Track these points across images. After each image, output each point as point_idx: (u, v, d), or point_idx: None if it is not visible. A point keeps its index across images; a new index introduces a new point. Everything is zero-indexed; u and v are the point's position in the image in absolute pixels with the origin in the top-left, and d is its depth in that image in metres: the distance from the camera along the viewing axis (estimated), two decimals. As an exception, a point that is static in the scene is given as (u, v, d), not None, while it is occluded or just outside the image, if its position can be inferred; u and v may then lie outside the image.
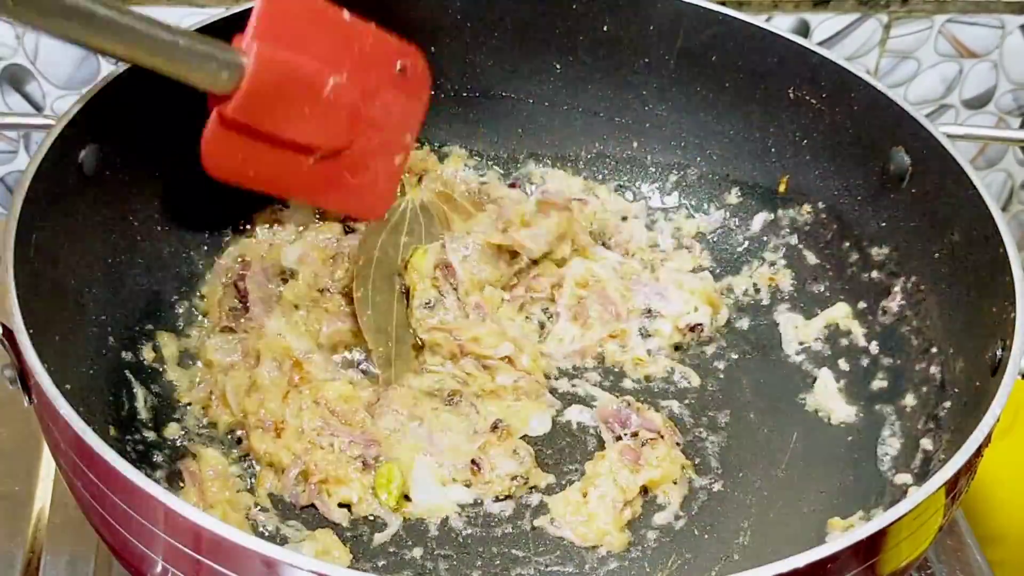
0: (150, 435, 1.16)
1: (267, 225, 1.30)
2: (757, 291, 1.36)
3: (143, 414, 1.17)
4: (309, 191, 1.23)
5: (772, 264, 1.37)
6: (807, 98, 1.31)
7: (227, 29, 1.22)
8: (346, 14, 1.18)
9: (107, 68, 1.51)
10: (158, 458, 1.14)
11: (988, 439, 0.96)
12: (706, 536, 1.15)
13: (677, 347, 1.31)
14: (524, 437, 1.19)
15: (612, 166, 1.44)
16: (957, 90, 1.71)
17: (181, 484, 1.11)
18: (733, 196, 1.41)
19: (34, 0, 0.95)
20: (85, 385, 1.09)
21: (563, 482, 1.17)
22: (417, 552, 1.10)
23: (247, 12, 1.24)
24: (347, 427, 1.15)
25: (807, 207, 1.36)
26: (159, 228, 1.26)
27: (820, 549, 0.85)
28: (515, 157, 1.45)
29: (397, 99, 1.26)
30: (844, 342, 1.30)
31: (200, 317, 1.27)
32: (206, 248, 1.30)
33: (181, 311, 1.26)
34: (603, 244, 1.37)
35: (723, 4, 1.34)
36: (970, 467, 0.95)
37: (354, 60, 1.18)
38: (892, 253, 1.27)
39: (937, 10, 1.62)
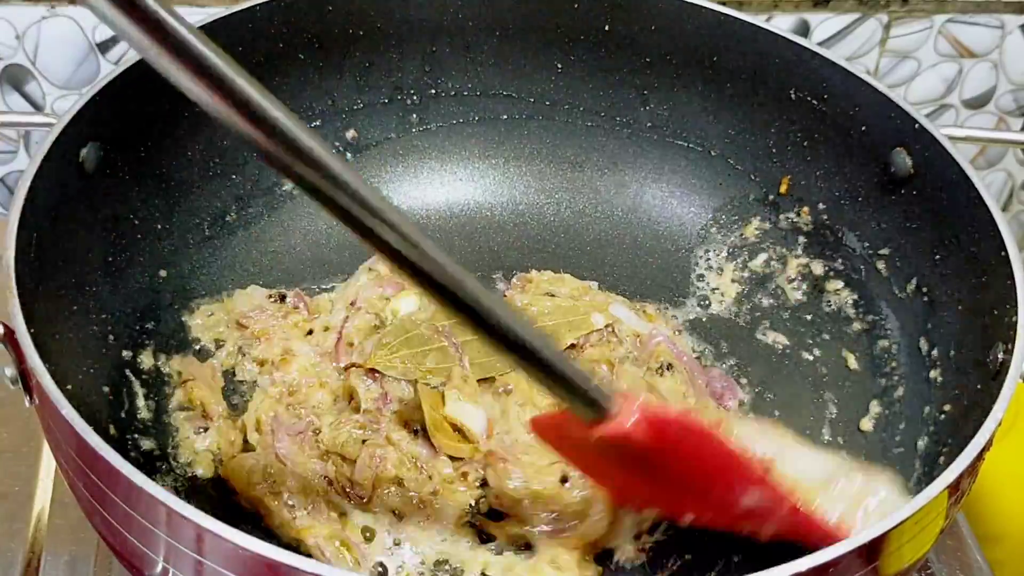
0: (150, 435, 1.16)
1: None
2: (755, 290, 1.36)
3: (143, 414, 1.17)
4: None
5: (771, 264, 1.37)
6: (807, 99, 1.31)
7: (228, 29, 1.23)
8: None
9: (107, 68, 1.51)
10: (159, 459, 1.14)
11: (990, 442, 0.96)
12: (706, 536, 1.15)
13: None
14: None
15: (612, 166, 1.44)
16: (957, 90, 1.71)
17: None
18: (733, 197, 1.41)
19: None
20: (85, 385, 1.09)
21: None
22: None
23: (247, 12, 1.24)
24: None
25: (807, 208, 1.35)
26: (159, 228, 1.25)
27: (823, 552, 0.85)
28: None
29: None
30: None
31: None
32: (207, 247, 1.30)
33: (181, 311, 1.26)
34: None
35: (723, 4, 1.34)
36: (972, 470, 0.95)
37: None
38: (893, 254, 1.27)
39: (937, 10, 1.62)
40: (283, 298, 1.29)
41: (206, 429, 1.17)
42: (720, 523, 1.05)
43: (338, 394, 1.20)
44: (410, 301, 1.28)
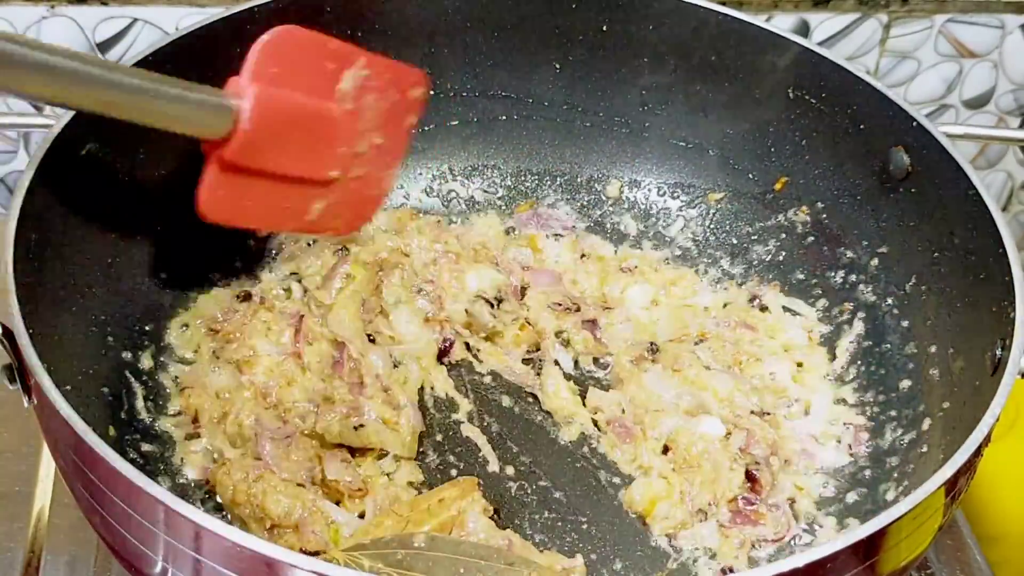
0: (149, 436, 1.16)
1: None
2: (756, 290, 1.36)
3: (143, 414, 1.17)
4: (304, 222, 1.21)
5: (770, 262, 1.37)
6: (807, 98, 1.31)
7: (228, 29, 1.23)
8: (338, 43, 1.17)
9: (107, 68, 1.51)
10: (158, 460, 1.14)
11: (988, 439, 0.96)
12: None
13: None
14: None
15: (611, 165, 1.44)
16: (957, 90, 1.71)
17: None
18: (732, 195, 1.41)
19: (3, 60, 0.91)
20: (84, 386, 1.09)
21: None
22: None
23: (247, 12, 1.24)
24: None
25: (806, 207, 1.36)
26: (159, 228, 1.25)
27: (819, 549, 0.85)
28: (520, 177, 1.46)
29: (397, 120, 1.26)
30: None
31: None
32: (206, 247, 1.30)
33: (181, 311, 1.26)
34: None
35: (723, 4, 1.34)
36: (970, 467, 0.95)
37: (355, 90, 1.18)
38: (891, 252, 1.27)
39: (937, 10, 1.62)
40: (248, 297, 1.28)
41: (197, 436, 1.17)
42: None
43: (308, 389, 1.20)
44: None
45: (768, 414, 1.23)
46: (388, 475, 1.16)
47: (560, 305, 1.32)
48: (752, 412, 1.23)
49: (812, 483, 1.19)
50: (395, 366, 1.23)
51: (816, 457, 1.21)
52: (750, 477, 1.16)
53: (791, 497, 1.17)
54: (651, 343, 1.29)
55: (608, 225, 1.43)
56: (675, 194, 1.43)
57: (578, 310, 1.32)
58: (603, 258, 1.39)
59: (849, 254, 1.32)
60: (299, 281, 1.31)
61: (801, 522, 1.16)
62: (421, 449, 1.20)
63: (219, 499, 1.12)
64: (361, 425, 1.15)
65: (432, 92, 1.38)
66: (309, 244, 1.34)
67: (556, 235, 1.41)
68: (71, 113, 1.11)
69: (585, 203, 1.44)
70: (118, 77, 0.99)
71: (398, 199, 1.42)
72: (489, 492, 1.16)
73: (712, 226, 1.41)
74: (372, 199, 1.28)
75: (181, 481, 1.14)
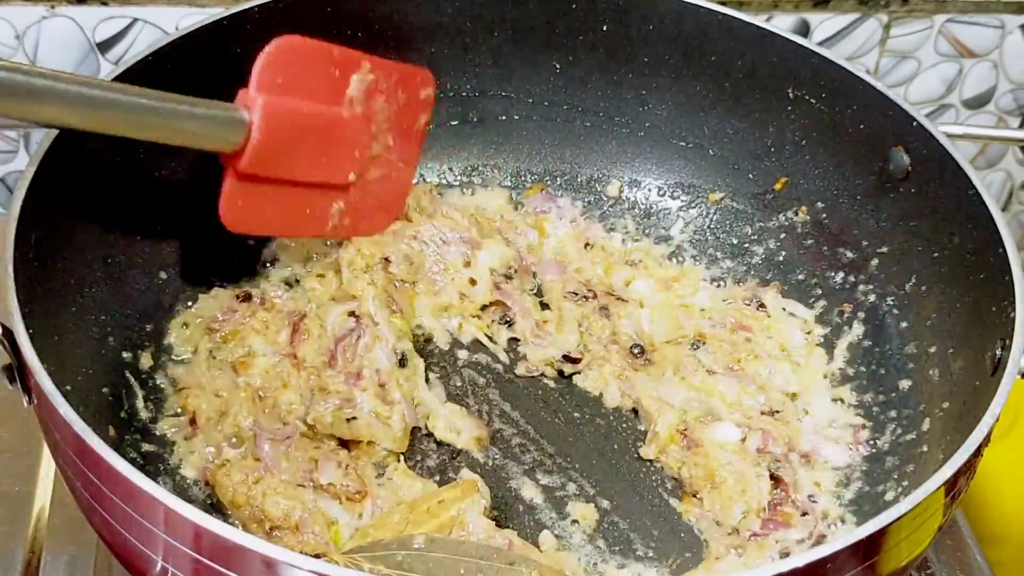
0: (149, 436, 1.16)
1: None
2: (756, 290, 1.36)
3: (143, 414, 1.17)
4: (326, 227, 1.22)
5: (770, 263, 1.37)
6: (807, 98, 1.31)
7: (228, 29, 1.23)
8: (341, 49, 1.18)
9: (107, 68, 1.51)
10: (158, 460, 1.14)
11: (987, 439, 0.96)
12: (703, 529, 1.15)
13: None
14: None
15: (611, 165, 1.44)
16: (957, 90, 1.71)
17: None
18: (732, 195, 1.41)
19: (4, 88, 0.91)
20: (85, 385, 1.09)
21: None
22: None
23: (247, 12, 1.24)
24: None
25: (805, 207, 1.36)
26: (159, 228, 1.25)
27: (820, 549, 0.85)
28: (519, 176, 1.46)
29: (409, 121, 1.27)
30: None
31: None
32: (206, 247, 1.30)
33: (181, 311, 1.26)
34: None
35: (723, 4, 1.34)
36: (969, 466, 0.95)
37: (363, 93, 1.19)
38: (891, 252, 1.27)
39: (937, 10, 1.62)
40: (249, 297, 1.28)
41: (196, 436, 1.17)
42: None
43: (302, 391, 1.20)
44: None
45: (777, 412, 1.23)
46: (385, 476, 1.16)
47: (576, 294, 1.32)
48: (762, 413, 1.23)
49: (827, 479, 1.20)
50: (402, 365, 1.23)
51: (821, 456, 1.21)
52: (774, 478, 1.16)
53: (811, 494, 1.17)
54: (637, 345, 1.28)
55: (608, 225, 1.43)
56: (675, 194, 1.43)
57: (595, 297, 1.32)
58: (606, 248, 1.40)
59: (849, 254, 1.32)
60: (298, 281, 1.31)
61: (828, 519, 1.15)
62: (421, 448, 1.20)
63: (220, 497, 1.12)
64: (354, 418, 1.15)
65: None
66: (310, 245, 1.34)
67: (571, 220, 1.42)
68: (71, 113, 1.11)
69: (585, 203, 1.44)
70: (128, 99, 1.00)
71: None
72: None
73: (712, 226, 1.41)
74: (393, 200, 1.29)
75: (181, 481, 1.14)
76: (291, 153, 1.12)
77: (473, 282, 1.30)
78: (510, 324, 1.31)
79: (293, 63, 1.12)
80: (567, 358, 1.28)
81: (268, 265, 1.33)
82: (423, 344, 1.28)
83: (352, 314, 1.24)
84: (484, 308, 1.31)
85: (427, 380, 1.24)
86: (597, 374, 1.27)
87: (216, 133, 1.06)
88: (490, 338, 1.30)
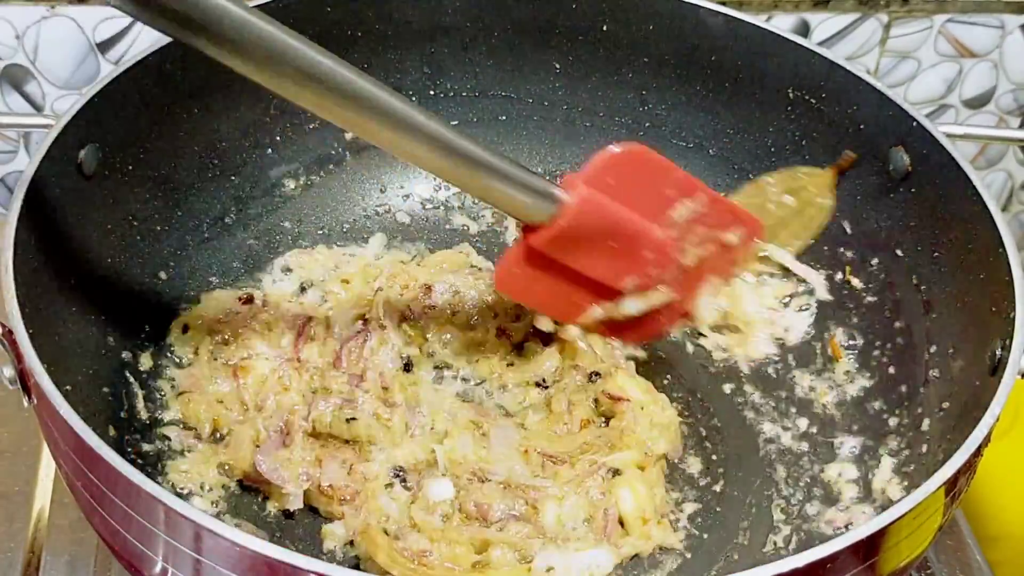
0: (149, 437, 1.16)
1: None
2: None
3: (143, 414, 1.17)
4: (577, 316, 1.22)
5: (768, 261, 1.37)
6: (807, 98, 1.31)
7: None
8: (685, 175, 1.21)
9: (107, 68, 1.51)
10: (158, 460, 1.14)
11: (988, 439, 0.96)
12: (706, 536, 1.15)
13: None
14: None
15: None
16: (957, 90, 1.71)
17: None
18: (732, 195, 1.40)
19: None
20: (85, 385, 1.09)
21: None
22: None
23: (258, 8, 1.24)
24: None
25: (806, 207, 1.36)
26: (158, 229, 1.25)
27: (819, 548, 0.85)
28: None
29: (726, 265, 1.29)
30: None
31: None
32: (206, 248, 1.30)
33: (182, 311, 1.26)
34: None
35: (723, 4, 1.34)
36: (970, 467, 0.95)
37: (685, 220, 1.21)
38: (891, 252, 1.27)
39: (937, 10, 1.62)
40: (251, 299, 1.28)
41: (196, 437, 1.17)
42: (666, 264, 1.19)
43: (304, 390, 1.20)
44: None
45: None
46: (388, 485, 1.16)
47: None
48: None
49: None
50: (407, 370, 1.23)
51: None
52: None
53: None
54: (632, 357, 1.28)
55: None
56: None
57: None
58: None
59: (849, 254, 1.32)
60: (301, 287, 1.32)
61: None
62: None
63: (218, 493, 1.13)
64: (354, 418, 1.15)
65: (431, 93, 1.38)
66: (312, 247, 1.35)
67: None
68: (71, 113, 1.11)
69: (585, 203, 1.44)
70: (465, 147, 1.03)
71: (397, 200, 1.42)
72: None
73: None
74: (650, 323, 1.26)
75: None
76: (588, 247, 1.14)
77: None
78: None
79: (632, 171, 1.15)
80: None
81: (270, 266, 1.33)
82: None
83: (362, 317, 1.24)
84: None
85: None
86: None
87: (529, 202, 1.08)
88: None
